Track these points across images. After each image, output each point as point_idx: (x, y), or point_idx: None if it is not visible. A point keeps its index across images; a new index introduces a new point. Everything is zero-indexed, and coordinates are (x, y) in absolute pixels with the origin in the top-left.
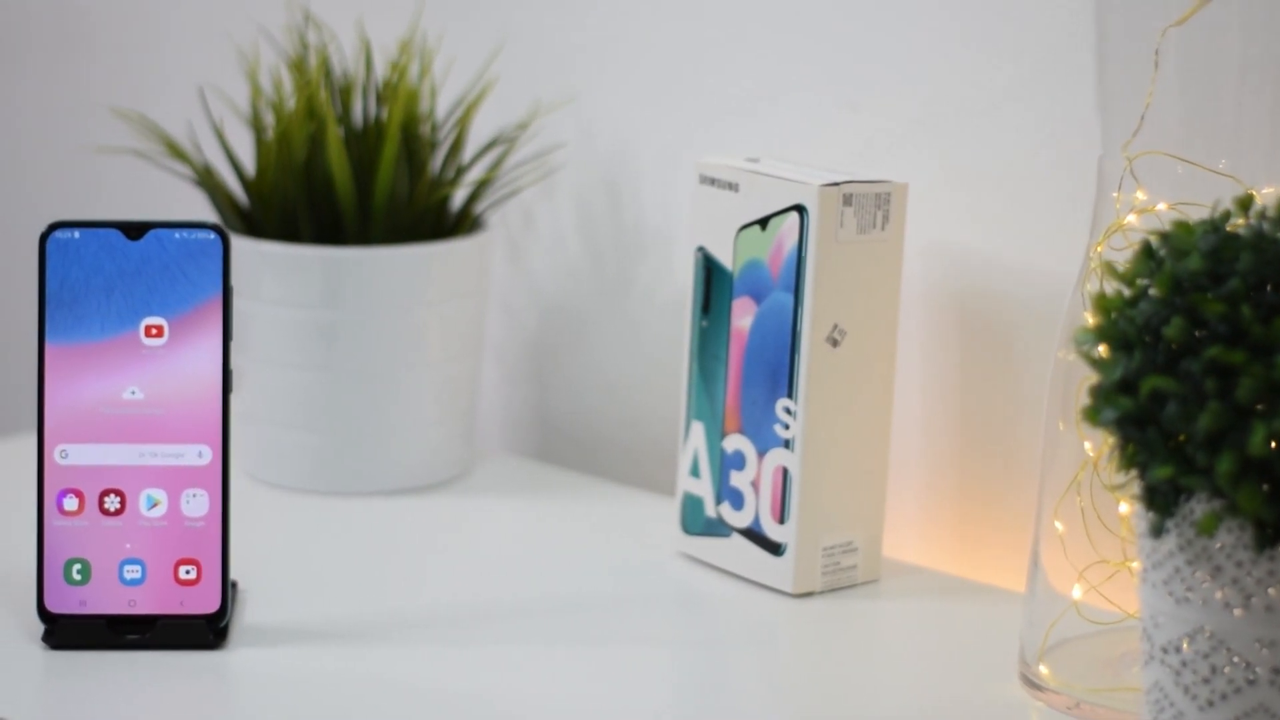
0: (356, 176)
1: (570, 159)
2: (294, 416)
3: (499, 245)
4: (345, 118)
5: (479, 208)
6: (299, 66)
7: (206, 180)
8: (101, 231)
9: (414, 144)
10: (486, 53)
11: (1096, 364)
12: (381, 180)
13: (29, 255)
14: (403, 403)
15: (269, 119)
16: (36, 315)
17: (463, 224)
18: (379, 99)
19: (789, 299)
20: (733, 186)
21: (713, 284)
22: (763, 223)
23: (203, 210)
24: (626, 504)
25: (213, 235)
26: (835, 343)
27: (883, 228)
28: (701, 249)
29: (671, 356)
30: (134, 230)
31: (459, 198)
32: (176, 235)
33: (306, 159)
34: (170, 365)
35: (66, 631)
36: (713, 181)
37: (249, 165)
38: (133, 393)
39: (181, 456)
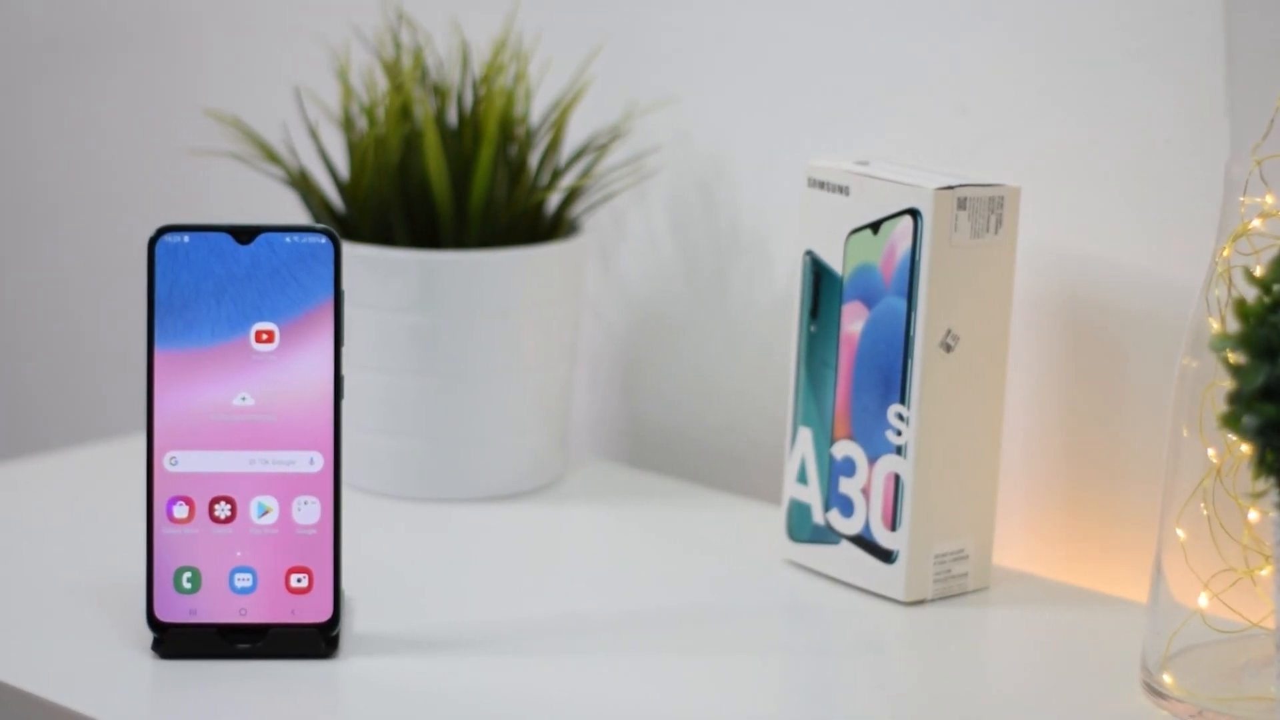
0: (452, 179)
1: (664, 161)
2: (388, 422)
3: (593, 250)
4: (440, 119)
5: (574, 211)
6: (393, 68)
7: (301, 184)
8: (211, 235)
9: (510, 146)
10: (581, 53)
11: (1237, 371)
12: (478, 183)
13: (129, 258)
14: (498, 408)
15: (361, 121)
16: (145, 320)
17: (558, 228)
18: (475, 100)
19: (902, 304)
20: (843, 190)
21: (821, 288)
22: (874, 226)
23: (297, 212)
24: (725, 510)
25: (324, 239)
26: (948, 348)
27: (996, 231)
28: (810, 253)
29: (768, 362)
30: (244, 234)
31: (554, 201)
32: (287, 239)
33: (401, 161)
34: (281, 371)
35: (177, 641)
36: (822, 185)
37: (342, 167)
38: (243, 399)
39: (293, 463)
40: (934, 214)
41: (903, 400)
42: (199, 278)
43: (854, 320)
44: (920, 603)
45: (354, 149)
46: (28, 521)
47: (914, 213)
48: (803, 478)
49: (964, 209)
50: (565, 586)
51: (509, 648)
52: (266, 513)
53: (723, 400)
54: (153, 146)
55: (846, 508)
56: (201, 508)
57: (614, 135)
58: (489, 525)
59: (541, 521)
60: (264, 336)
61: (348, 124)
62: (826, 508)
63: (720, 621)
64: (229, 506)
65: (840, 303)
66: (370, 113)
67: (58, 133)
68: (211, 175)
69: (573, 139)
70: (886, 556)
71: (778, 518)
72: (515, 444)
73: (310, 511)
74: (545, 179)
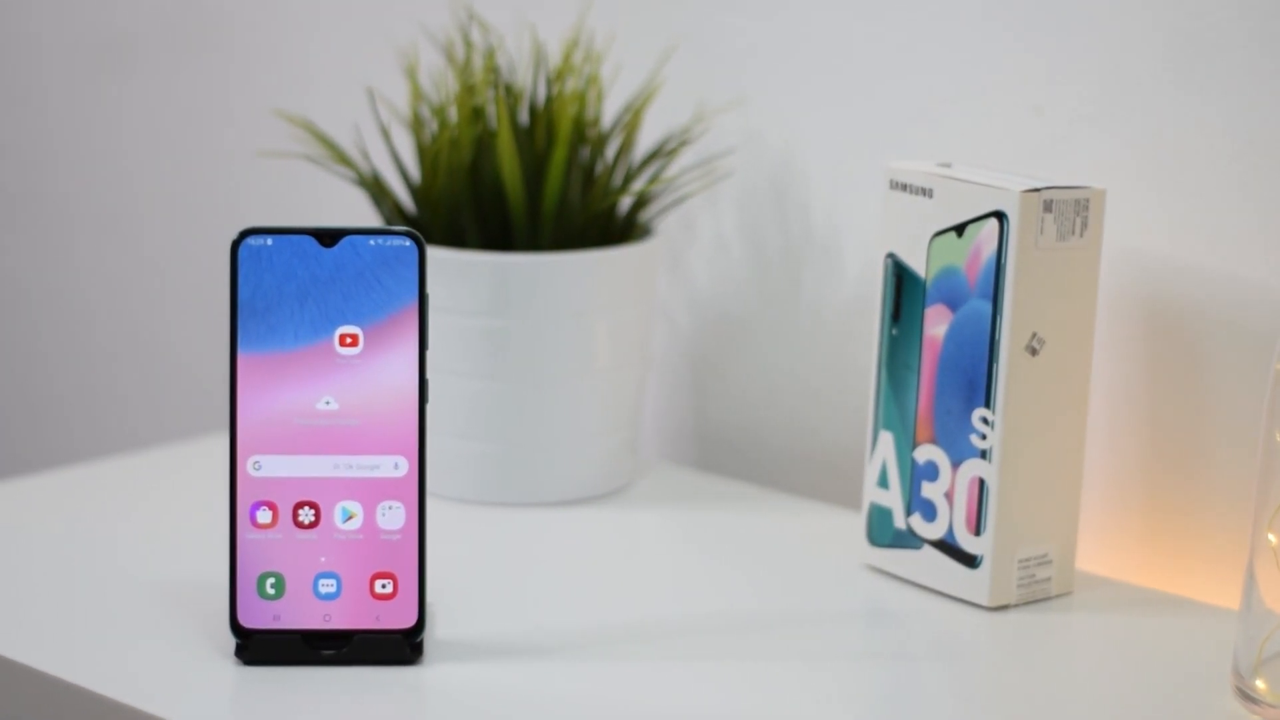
0: (525, 181)
1: (736, 163)
2: (458, 426)
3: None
4: (513, 121)
5: (646, 214)
6: (465, 69)
7: (373, 186)
8: (294, 238)
9: (583, 148)
10: (651, 53)
11: None
12: (551, 185)
13: (199, 259)
14: (569, 412)
15: (431, 122)
16: (228, 323)
17: (629, 230)
18: (547, 101)
19: (987, 307)
20: (926, 192)
21: (903, 291)
22: (959, 229)
23: (367, 213)
24: (799, 514)
25: (408, 242)
26: (1034, 351)
27: (1081, 234)
28: (891, 255)
29: (840, 364)
30: (328, 237)
31: (625, 203)
32: (371, 242)
33: (473, 163)
34: (365, 375)
35: (260, 647)
36: (904, 187)
37: (412, 168)
38: (327, 403)
39: (377, 468)
40: (1020, 216)
41: (988, 404)
42: (282, 280)
43: (937, 323)
44: (1004, 608)
45: (425, 151)
46: (109, 523)
47: (1000, 215)
48: (884, 482)
49: (1050, 211)
50: (643, 592)
51: (590, 654)
52: (351, 518)
53: (793, 403)
54: (221, 148)
55: (929, 512)
56: (285, 513)
57: (682, 141)
58: (562, 530)
59: (615, 526)
60: (348, 340)
61: (417, 125)
62: (908, 512)
63: (800, 627)
64: (313, 511)
65: (923, 306)
66: (441, 114)
67: (127, 134)
68: (278, 176)
69: (642, 139)
70: (970, 561)
71: (853, 522)
72: (587, 448)
73: (395, 516)
74: (618, 181)
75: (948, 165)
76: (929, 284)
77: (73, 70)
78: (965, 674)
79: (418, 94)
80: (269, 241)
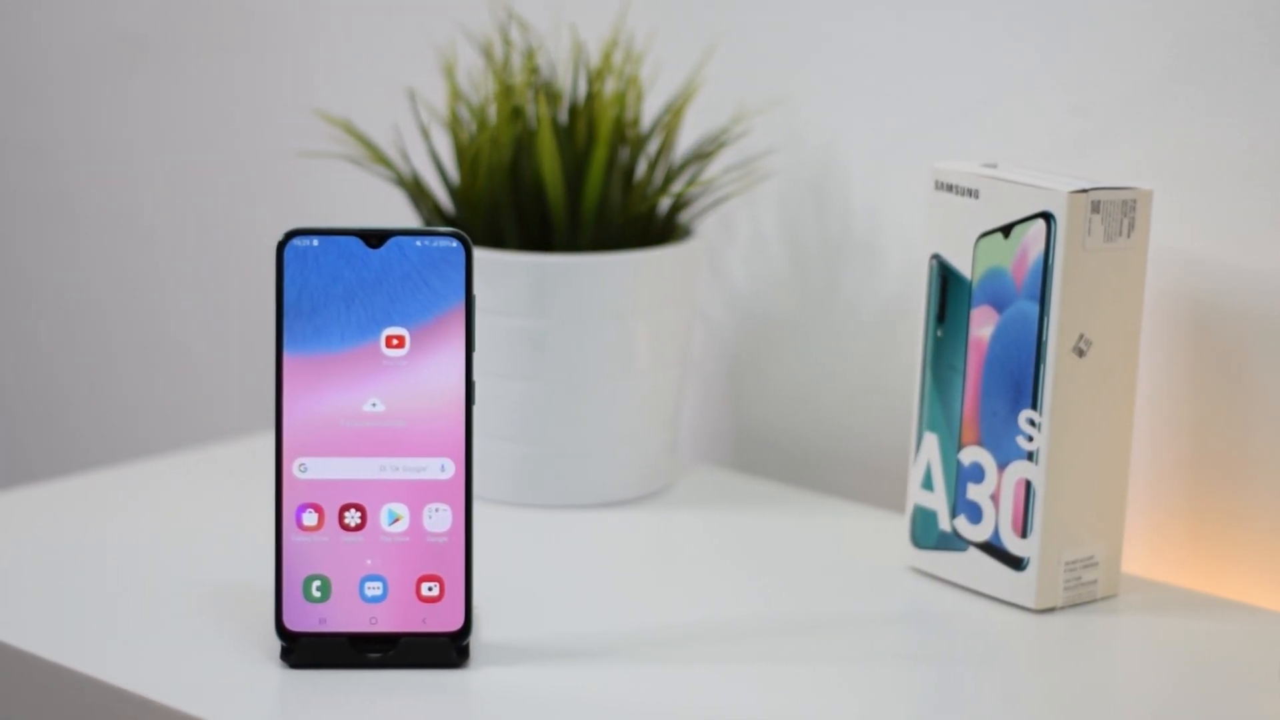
0: (565, 182)
1: (775, 163)
2: (497, 427)
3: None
4: (552, 121)
5: (685, 214)
6: (503, 69)
7: (413, 188)
8: (340, 239)
9: (622, 149)
10: (690, 53)
11: None
12: (591, 186)
13: (238, 259)
14: (609, 414)
15: (470, 122)
16: (274, 325)
17: (668, 231)
18: (587, 100)
19: (1034, 308)
20: (972, 193)
21: (949, 292)
22: (1005, 230)
23: (400, 213)
24: (840, 517)
25: (455, 243)
26: (1081, 353)
27: (1128, 235)
28: (937, 256)
29: (880, 367)
30: (374, 238)
31: (664, 204)
32: (418, 243)
33: (512, 163)
34: (412, 376)
35: (306, 650)
36: (950, 188)
37: (450, 168)
38: (373, 405)
39: (424, 470)
40: (1068, 217)
41: (1034, 406)
42: (328, 282)
43: (983, 325)
44: (1050, 610)
45: (464, 151)
46: (153, 524)
47: (1047, 216)
48: (928, 484)
49: (1097, 212)
50: (685, 595)
51: (635, 656)
52: (397, 520)
53: (829, 406)
54: (255, 148)
55: (974, 514)
56: (331, 515)
57: (719, 144)
58: (602, 532)
59: (656, 528)
60: (394, 341)
61: (455, 125)
62: (953, 514)
63: (844, 630)
64: (359, 514)
65: (969, 307)
66: (481, 114)
67: (160, 134)
68: (313, 177)
69: (682, 139)
70: (1017, 564)
71: (895, 524)
72: (626, 450)
73: (441, 519)
74: (658, 182)
75: (993, 166)
76: (975, 285)
77: (103, 71)
78: (1011, 677)
79: (456, 94)
80: (315, 242)
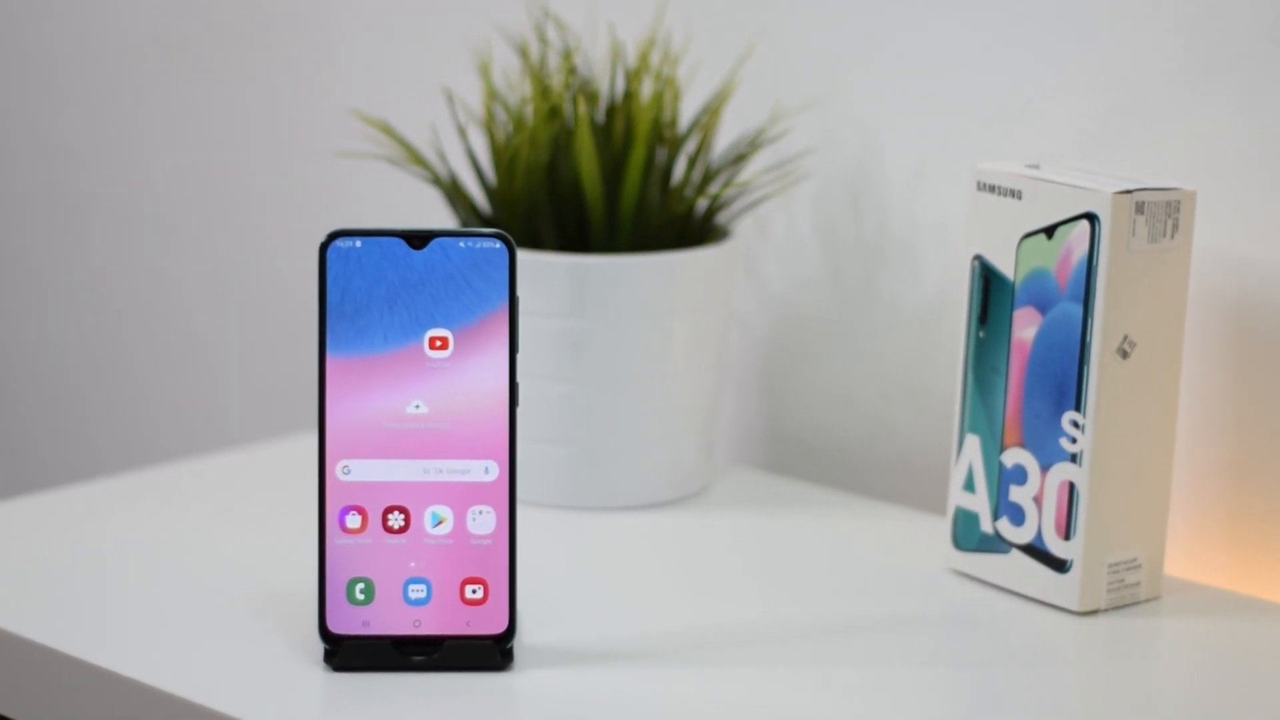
0: (603, 182)
1: (815, 165)
2: (535, 429)
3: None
4: (590, 121)
5: (722, 215)
6: (536, 70)
7: (451, 189)
8: (384, 240)
9: (659, 149)
10: (726, 53)
11: None
12: (629, 186)
13: (287, 260)
14: (647, 415)
15: (504, 122)
16: (316, 326)
17: (706, 232)
18: (624, 100)
19: (1078, 309)
20: (1015, 194)
21: (991, 293)
22: (1049, 231)
23: (434, 212)
24: (879, 518)
25: (498, 244)
26: (1125, 354)
27: (1172, 236)
28: (979, 257)
29: (918, 368)
30: (417, 239)
31: (701, 204)
32: (461, 244)
33: (549, 163)
34: (456, 378)
35: (350, 653)
36: (992, 189)
37: (486, 168)
38: (417, 406)
39: (468, 472)
40: (1112, 218)
41: (1078, 407)
42: (371, 283)
43: (1026, 326)
44: (1093, 613)
45: (501, 151)
46: (192, 526)
47: (1091, 217)
48: (970, 485)
49: (1142, 213)
50: (726, 597)
51: (678, 659)
52: (441, 523)
53: (866, 408)
54: (290, 149)
55: (1017, 516)
56: (375, 518)
57: (754, 146)
58: (641, 534)
59: (694, 531)
60: (438, 343)
61: (491, 125)
62: (995, 516)
63: (886, 632)
64: (402, 516)
65: (1011, 308)
66: (519, 115)
67: (196, 135)
68: (346, 177)
69: (718, 139)
70: (1060, 566)
71: (933, 525)
72: (664, 452)
73: (485, 521)
74: (695, 182)
75: (1036, 166)
76: (1017, 286)
77: (139, 71)
78: (1055, 680)
79: (492, 93)
80: (358, 244)
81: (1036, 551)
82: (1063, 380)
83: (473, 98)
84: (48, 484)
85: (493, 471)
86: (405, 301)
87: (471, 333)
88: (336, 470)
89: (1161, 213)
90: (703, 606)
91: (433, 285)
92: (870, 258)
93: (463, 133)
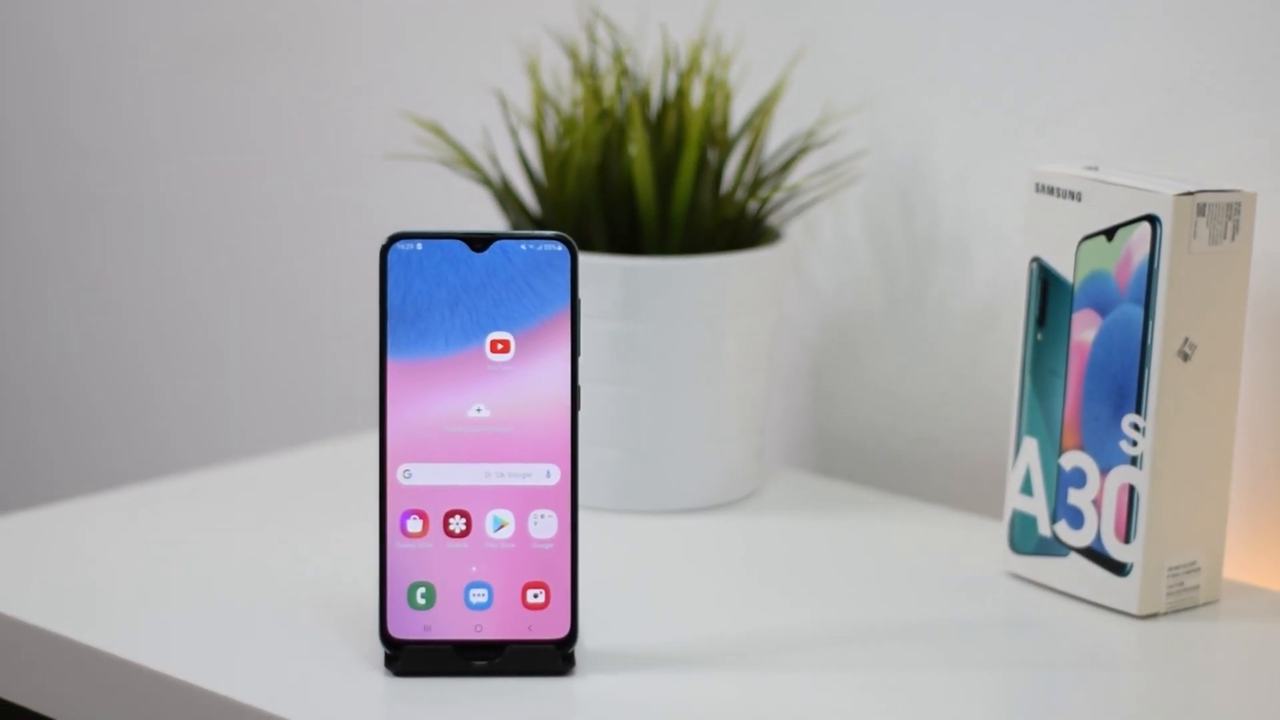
0: (655, 184)
1: (867, 166)
2: (589, 431)
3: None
4: (644, 123)
5: (773, 217)
6: (587, 72)
7: (501, 191)
8: (445, 243)
9: (713, 150)
10: (776, 53)
11: None
12: (681, 188)
13: (305, 263)
14: (698, 418)
15: (553, 122)
16: (377, 329)
17: (756, 234)
18: (675, 100)
19: (1138, 312)
20: (1075, 196)
21: (1049, 296)
22: (1109, 233)
23: (490, 213)
24: (931, 521)
25: (560, 247)
26: (1186, 357)
27: (1232, 238)
28: (1037, 260)
29: (969, 371)
30: (478, 242)
31: (751, 206)
32: (523, 247)
33: (600, 165)
34: (517, 382)
35: (411, 658)
36: (1051, 190)
37: (536, 170)
38: (478, 410)
39: (529, 476)
40: (1174, 220)
41: (1138, 410)
42: (433, 286)
43: (1085, 328)
44: (1153, 616)
45: (553, 153)
46: (250, 526)
47: (1153, 219)
48: (1027, 488)
49: (1203, 215)
50: (782, 601)
51: (739, 664)
52: (502, 526)
53: (916, 410)
54: (312, 149)
55: (1076, 519)
56: (436, 522)
57: (804, 147)
58: (693, 537)
59: (747, 534)
60: (499, 346)
61: (539, 125)
62: (1054, 519)
63: (944, 636)
64: (464, 520)
65: (1070, 310)
66: (570, 117)
67: (241, 136)
68: (370, 177)
69: (767, 140)
70: (1120, 569)
71: (985, 528)
72: (715, 454)
73: (547, 525)
74: (746, 184)
75: (1094, 168)
76: (1076, 288)
77: (179, 72)
78: (1115, 683)
79: (541, 94)
80: (419, 246)
81: (1096, 555)
82: (1123, 383)
83: (520, 99)
84: (53, 492)
85: (554, 475)
86: (467, 304)
87: (533, 335)
88: (397, 474)
89: (1222, 214)
90: (759, 611)
91: (494, 288)
92: (921, 259)
93: (514, 134)
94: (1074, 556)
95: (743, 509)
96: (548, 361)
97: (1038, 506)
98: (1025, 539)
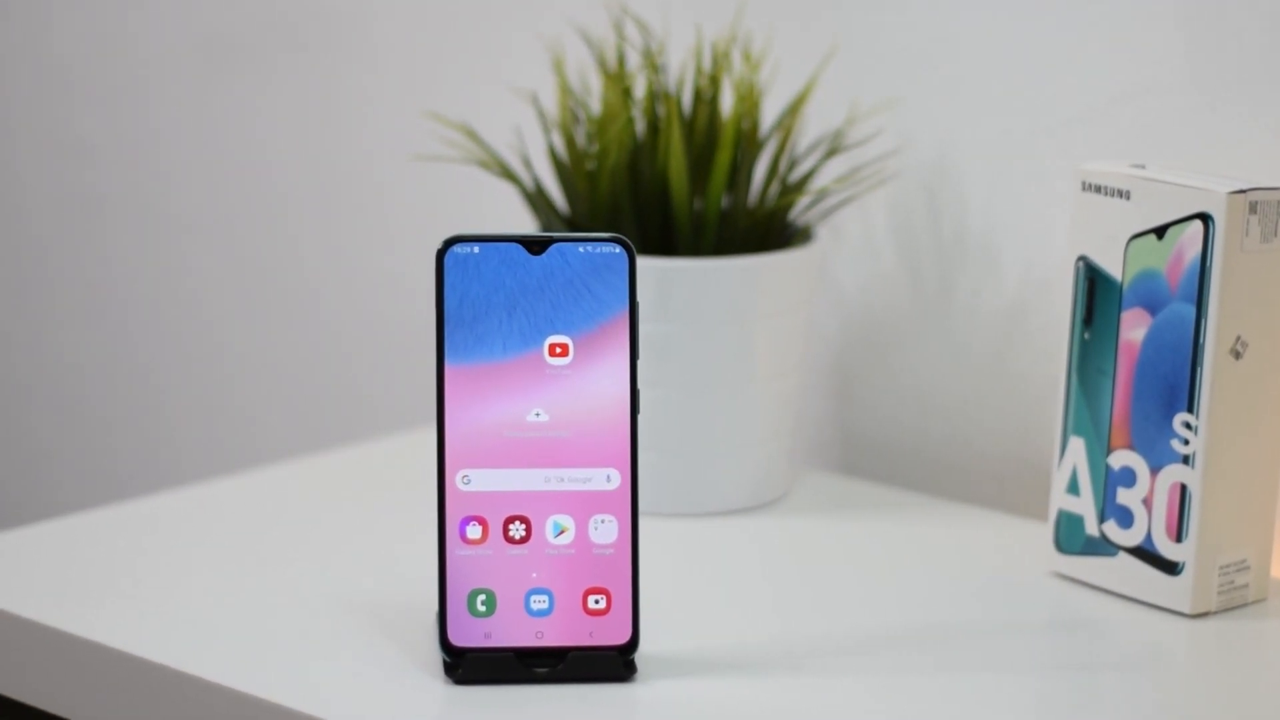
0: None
1: (900, 166)
2: None
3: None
4: (680, 123)
5: (802, 217)
6: (618, 74)
7: (537, 196)
8: (502, 246)
9: (746, 151)
10: (803, 53)
11: None
12: (714, 188)
13: (315, 265)
14: (730, 420)
15: (583, 121)
16: (434, 334)
17: (786, 234)
18: (709, 101)
19: (1190, 310)
20: (1123, 194)
21: (1096, 295)
22: (1159, 231)
23: (521, 215)
24: (969, 522)
25: (618, 249)
26: (1238, 355)
27: None
28: (1083, 258)
29: (998, 371)
30: (536, 244)
31: (783, 207)
32: (580, 249)
33: (631, 165)
34: (576, 385)
35: (473, 665)
36: (1098, 189)
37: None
38: (537, 414)
39: (589, 481)
40: (1227, 218)
41: (1190, 409)
42: (490, 290)
43: (1135, 327)
44: (1203, 615)
45: (581, 153)
46: (303, 529)
47: (1205, 217)
48: (1074, 488)
49: (1255, 213)
50: (830, 604)
51: (800, 668)
52: (562, 532)
53: (942, 410)
54: (321, 150)
55: (1125, 519)
56: (495, 528)
57: (832, 149)
58: (731, 540)
59: (785, 536)
60: (558, 350)
61: (565, 126)
62: (1102, 519)
63: (996, 635)
64: (524, 526)
65: (1119, 309)
66: (602, 118)
67: (263, 136)
68: (380, 178)
69: (795, 141)
70: (1171, 568)
71: (1023, 528)
72: (748, 456)
73: (608, 530)
74: (777, 185)
75: (1141, 166)
76: (1125, 287)
77: (192, 72)
78: (1171, 682)
79: (566, 90)
80: (475, 249)
81: (1146, 554)
82: (1174, 382)
83: (549, 99)
84: (59, 497)
85: (614, 480)
86: (525, 308)
87: (592, 339)
88: (456, 480)
89: (1273, 212)
90: (809, 614)
91: (552, 291)
92: (947, 258)
93: (548, 130)
94: (1123, 556)
95: (776, 511)
96: (607, 364)
97: (1085, 506)
98: (1071, 539)
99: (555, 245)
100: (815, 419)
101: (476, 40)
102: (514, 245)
